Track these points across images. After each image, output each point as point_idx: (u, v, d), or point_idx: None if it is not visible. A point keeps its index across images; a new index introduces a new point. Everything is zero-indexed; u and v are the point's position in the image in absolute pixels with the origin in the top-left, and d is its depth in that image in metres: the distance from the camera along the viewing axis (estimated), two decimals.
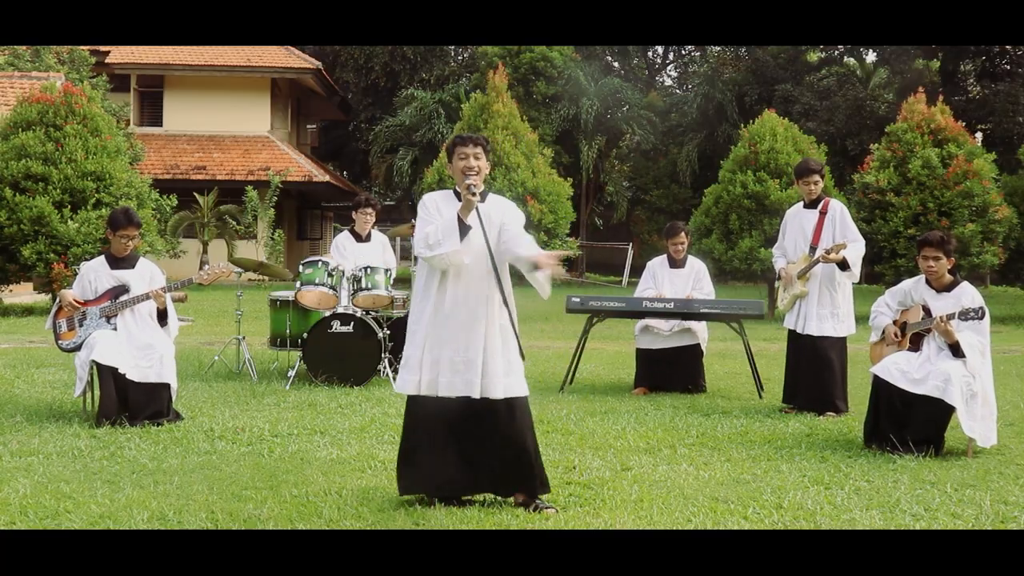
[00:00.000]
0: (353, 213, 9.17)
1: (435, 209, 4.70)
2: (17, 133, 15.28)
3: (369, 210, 9.06)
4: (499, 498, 4.77)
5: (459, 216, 4.52)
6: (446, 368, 4.58)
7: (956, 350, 5.95)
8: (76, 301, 6.79)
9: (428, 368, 4.61)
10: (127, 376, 6.56)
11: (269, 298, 9.27)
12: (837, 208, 7.53)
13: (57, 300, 6.95)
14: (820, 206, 7.55)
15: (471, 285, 4.62)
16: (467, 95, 25.32)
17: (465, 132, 17.93)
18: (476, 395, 4.57)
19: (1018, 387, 8.89)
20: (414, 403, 4.70)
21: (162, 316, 6.85)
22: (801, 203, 7.77)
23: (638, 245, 31.39)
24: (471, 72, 32.54)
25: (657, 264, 8.84)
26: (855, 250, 7.36)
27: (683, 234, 8.70)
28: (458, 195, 4.71)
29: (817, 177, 7.58)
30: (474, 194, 4.50)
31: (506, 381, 4.61)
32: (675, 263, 8.72)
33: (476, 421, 4.62)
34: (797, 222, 7.71)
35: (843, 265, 7.33)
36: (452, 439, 4.66)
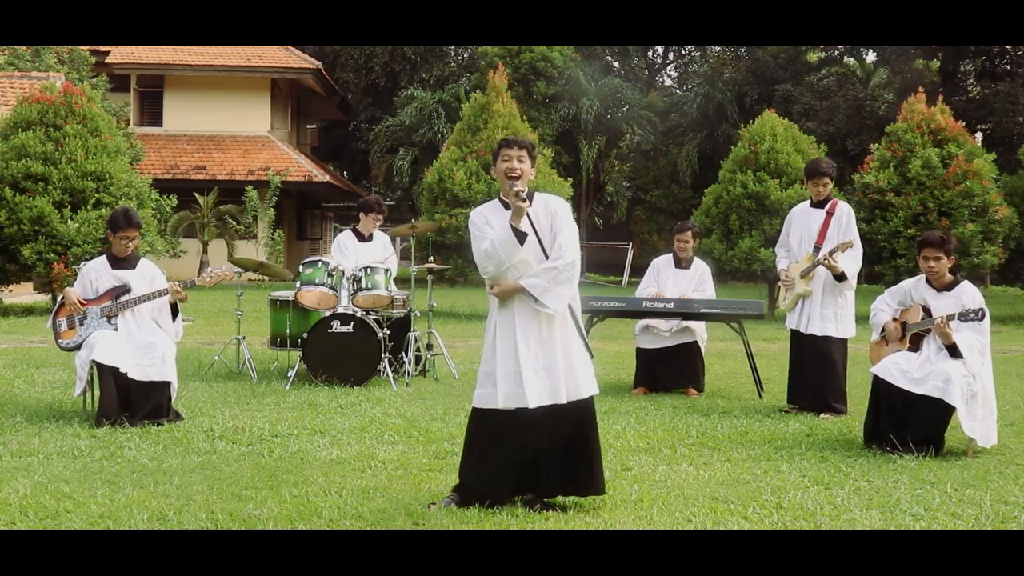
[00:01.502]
0: (361, 215, 9.16)
1: (484, 223, 4.65)
2: (17, 133, 15.27)
3: (380, 216, 9.08)
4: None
5: (511, 225, 4.48)
6: (531, 378, 4.52)
7: (953, 351, 5.95)
8: (80, 301, 6.79)
9: (511, 381, 4.54)
10: (129, 375, 6.56)
11: (269, 298, 9.27)
12: (845, 210, 7.53)
13: (60, 298, 6.95)
14: (828, 206, 7.55)
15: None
16: (467, 95, 25.32)
17: (465, 135, 18.01)
18: (563, 400, 4.56)
19: (1018, 387, 8.90)
20: (479, 416, 4.65)
21: (174, 311, 6.89)
22: (808, 202, 7.76)
23: (638, 245, 31.39)
24: (471, 72, 32.55)
25: (662, 263, 8.84)
26: (853, 262, 7.37)
27: (691, 232, 8.70)
28: (504, 203, 4.68)
29: (827, 180, 7.57)
30: (524, 200, 4.45)
31: (588, 380, 4.65)
32: (680, 263, 8.72)
33: (554, 424, 4.59)
34: (803, 220, 7.69)
35: (840, 277, 7.33)
36: (522, 447, 4.60)
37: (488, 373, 4.63)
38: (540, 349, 4.57)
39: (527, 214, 4.51)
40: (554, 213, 4.68)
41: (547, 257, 4.54)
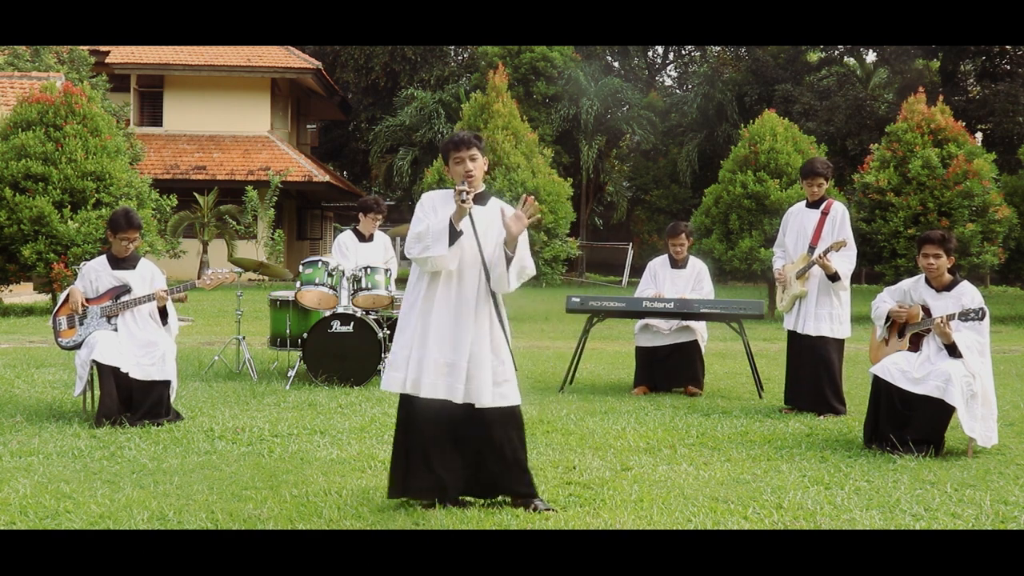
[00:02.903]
0: (361, 215, 9.16)
1: (431, 209, 4.67)
2: (17, 133, 15.28)
3: (379, 216, 9.08)
4: (498, 499, 4.76)
5: (451, 221, 4.50)
6: (429, 368, 4.54)
7: (953, 350, 5.95)
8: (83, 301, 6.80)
9: (413, 367, 4.58)
10: (129, 374, 6.56)
11: (269, 298, 9.27)
12: (839, 210, 7.53)
13: (64, 296, 6.94)
14: (823, 206, 7.56)
15: (462, 290, 4.59)
16: (467, 95, 25.33)
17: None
18: (458, 399, 4.54)
19: (1018, 387, 8.89)
20: (406, 402, 4.68)
21: (162, 314, 6.86)
22: (803, 202, 7.78)
23: (638, 245, 31.40)
24: (471, 72, 32.55)
25: (658, 264, 8.84)
26: (847, 262, 7.37)
27: (684, 235, 8.69)
28: None
29: (822, 180, 7.58)
30: (464, 201, 4.47)
31: (496, 390, 4.57)
32: (676, 263, 8.72)
33: (466, 426, 4.61)
34: (798, 220, 7.72)
35: (834, 277, 7.34)
36: (442, 441, 4.63)
37: (397, 355, 4.66)
38: (449, 344, 4.56)
39: (471, 217, 4.51)
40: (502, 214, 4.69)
41: (484, 261, 4.52)
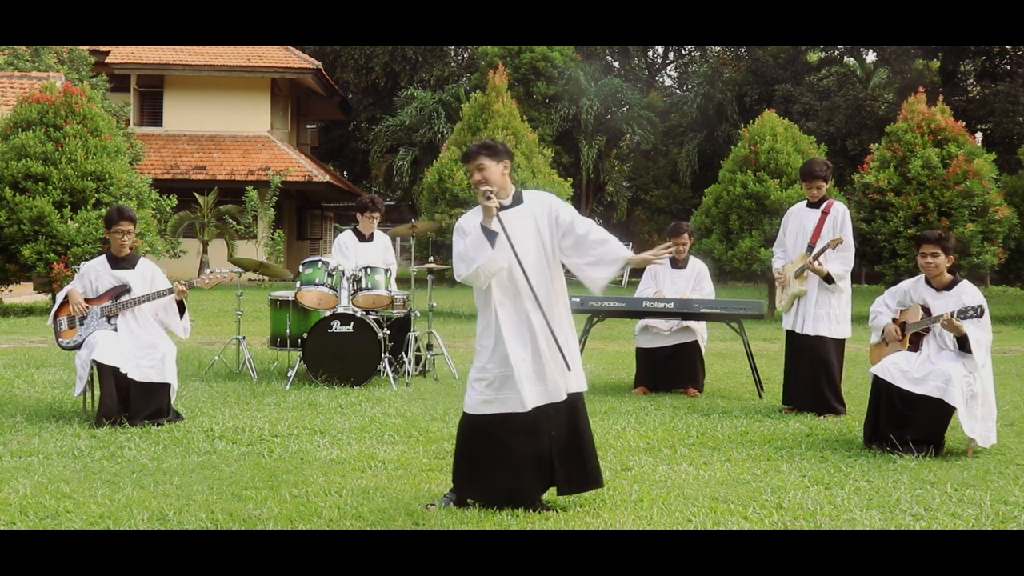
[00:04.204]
0: (358, 215, 9.17)
1: (469, 227, 4.65)
2: (17, 133, 15.28)
3: (376, 214, 9.08)
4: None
5: (483, 226, 4.50)
6: (525, 381, 4.54)
7: (964, 343, 5.92)
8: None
9: (498, 387, 4.58)
10: (129, 375, 6.57)
11: (269, 298, 9.27)
12: (840, 210, 7.53)
13: (62, 294, 6.94)
14: (823, 206, 7.56)
15: (518, 295, 4.58)
16: (467, 95, 25.33)
17: (465, 135, 18.01)
18: (558, 399, 4.60)
19: (1018, 387, 8.89)
20: (474, 421, 4.66)
21: (180, 308, 6.92)
22: (804, 202, 7.78)
23: (638, 245, 31.38)
24: (471, 72, 32.55)
25: (658, 264, 8.83)
26: (841, 263, 7.37)
27: (686, 234, 8.70)
28: None
29: (821, 182, 7.57)
30: (488, 197, 4.48)
31: (568, 379, 4.64)
32: (677, 263, 8.72)
33: (544, 424, 4.61)
34: (798, 220, 7.72)
35: (828, 279, 7.34)
36: (517, 449, 4.61)
37: (479, 379, 4.65)
38: (529, 351, 4.58)
39: (498, 217, 4.50)
40: (548, 207, 4.72)
41: (519, 261, 4.49)
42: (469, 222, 4.67)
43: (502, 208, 4.62)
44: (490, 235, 4.48)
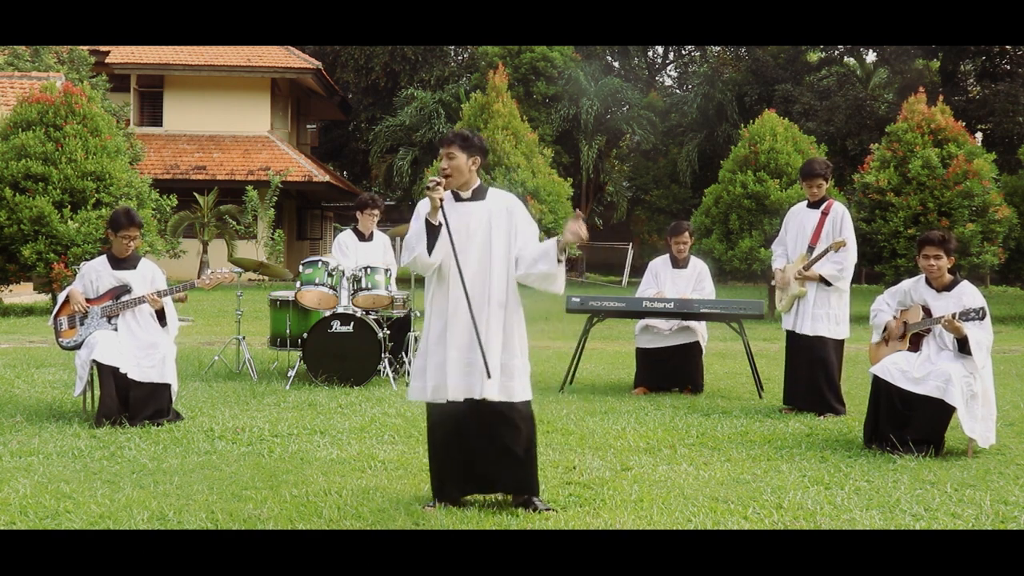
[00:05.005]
0: (358, 213, 9.17)
1: (419, 215, 4.70)
2: (17, 133, 15.28)
3: (376, 211, 9.08)
4: (499, 497, 4.77)
5: (426, 219, 4.54)
6: (454, 370, 4.56)
7: (963, 345, 5.92)
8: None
9: (433, 374, 4.61)
10: (128, 375, 6.57)
11: (269, 298, 9.27)
12: (840, 211, 7.53)
13: (63, 295, 6.93)
14: (823, 207, 7.56)
15: (472, 286, 4.55)
16: (467, 95, 25.31)
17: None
18: (476, 396, 4.55)
19: (1018, 387, 8.89)
20: (430, 409, 4.73)
21: (160, 316, 6.85)
22: (805, 202, 7.78)
23: (638, 245, 31.40)
24: (471, 72, 32.52)
25: (659, 264, 8.84)
26: (833, 265, 7.36)
27: (687, 233, 8.70)
28: (453, 194, 4.71)
29: (821, 181, 7.57)
30: (431, 189, 4.52)
31: (504, 383, 4.57)
32: (678, 263, 8.72)
33: (480, 423, 4.61)
34: (798, 220, 7.73)
35: (824, 281, 7.36)
36: (464, 442, 4.64)
37: (417, 365, 4.74)
38: (469, 341, 4.54)
39: (441, 209, 4.51)
40: (508, 209, 4.72)
41: (457, 254, 4.48)
42: (424, 208, 4.69)
43: (460, 199, 4.68)
44: (431, 230, 4.52)
